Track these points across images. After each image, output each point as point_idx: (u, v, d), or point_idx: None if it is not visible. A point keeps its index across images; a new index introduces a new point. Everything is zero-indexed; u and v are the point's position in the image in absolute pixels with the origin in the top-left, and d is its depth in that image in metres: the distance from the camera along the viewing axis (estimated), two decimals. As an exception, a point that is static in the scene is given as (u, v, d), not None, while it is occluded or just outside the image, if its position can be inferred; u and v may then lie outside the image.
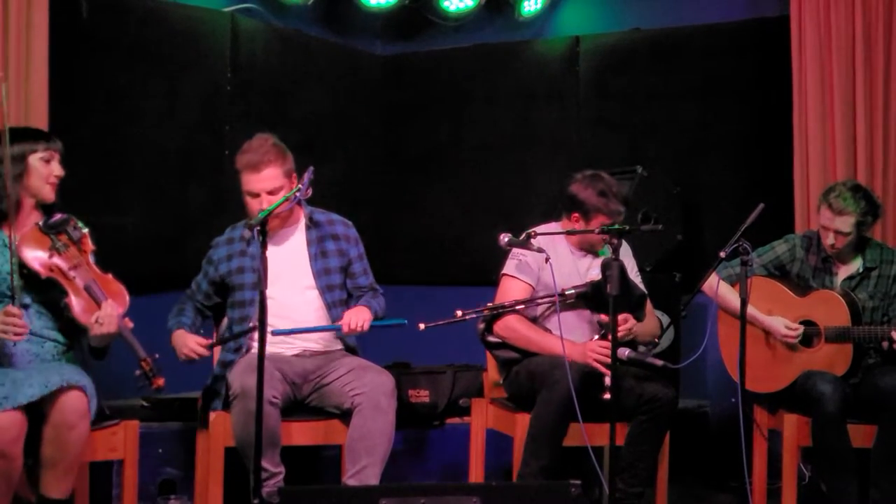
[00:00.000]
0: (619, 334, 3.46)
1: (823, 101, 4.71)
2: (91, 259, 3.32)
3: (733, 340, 3.69)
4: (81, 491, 3.44)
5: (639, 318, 3.69)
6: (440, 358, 4.74)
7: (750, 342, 3.72)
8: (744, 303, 3.54)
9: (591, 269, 3.79)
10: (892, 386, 3.65)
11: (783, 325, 3.89)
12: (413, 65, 5.83)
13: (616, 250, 3.23)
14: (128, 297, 3.28)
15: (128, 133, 4.76)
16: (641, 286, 3.83)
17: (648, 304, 3.83)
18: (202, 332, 3.74)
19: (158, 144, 4.88)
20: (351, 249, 3.85)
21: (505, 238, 3.68)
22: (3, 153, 3.11)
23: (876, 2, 4.64)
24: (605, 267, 3.50)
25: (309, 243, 3.79)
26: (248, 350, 3.65)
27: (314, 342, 3.74)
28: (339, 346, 3.80)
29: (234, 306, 3.76)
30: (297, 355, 3.71)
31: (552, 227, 3.85)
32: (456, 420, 4.63)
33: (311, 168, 3.29)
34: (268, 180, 3.61)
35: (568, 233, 3.78)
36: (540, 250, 3.68)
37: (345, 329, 3.62)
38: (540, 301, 3.73)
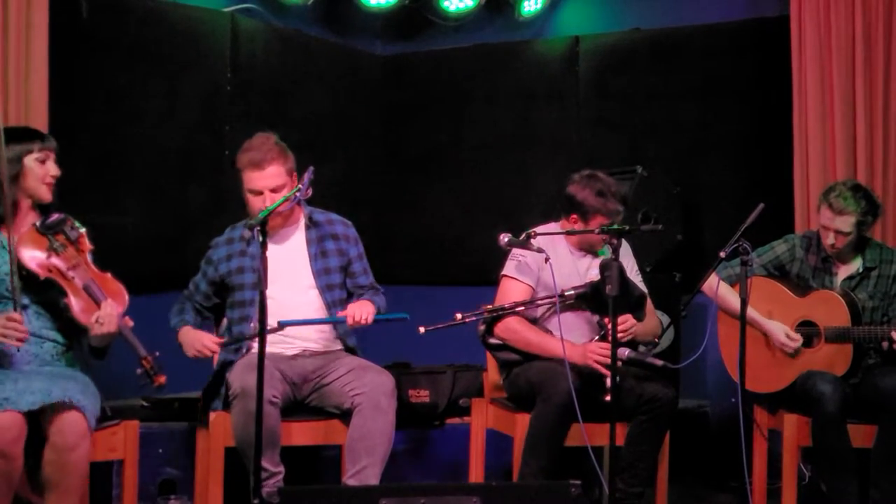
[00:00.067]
0: (619, 336, 3.46)
1: (823, 101, 4.71)
2: (89, 259, 3.30)
3: (733, 340, 3.69)
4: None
5: (639, 318, 3.68)
6: (440, 358, 4.73)
7: (750, 342, 3.72)
8: (744, 303, 3.54)
9: (590, 270, 3.79)
10: (892, 386, 3.65)
11: (783, 332, 3.88)
12: (413, 65, 5.83)
13: (616, 250, 3.23)
14: (127, 296, 3.27)
15: (128, 133, 4.76)
16: (641, 286, 3.83)
17: (649, 304, 3.83)
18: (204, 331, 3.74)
19: (158, 144, 4.88)
20: (350, 249, 3.85)
21: (505, 238, 3.68)
22: None
23: (876, 2, 4.64)
24: (603, 267, 3.50)
25: (309, 243, 3.79)
26: (248, 350, 3.65)
27: (314, 342, 3.74)
28: (339, 346, 3.80)
29: (233, 306, 3.76)
30: (297, 355, 3.71)
31: (552, 227, 3.84)
32: (456, 420, 4.63)
33: (312, 168, 3.29)
34: (271, 177, 3.61)
35: (568, 233, 3.78)
36: (540, 250, 3.67)
37: (349, 321, 3.61)
38: (540, 302, 3.73)
